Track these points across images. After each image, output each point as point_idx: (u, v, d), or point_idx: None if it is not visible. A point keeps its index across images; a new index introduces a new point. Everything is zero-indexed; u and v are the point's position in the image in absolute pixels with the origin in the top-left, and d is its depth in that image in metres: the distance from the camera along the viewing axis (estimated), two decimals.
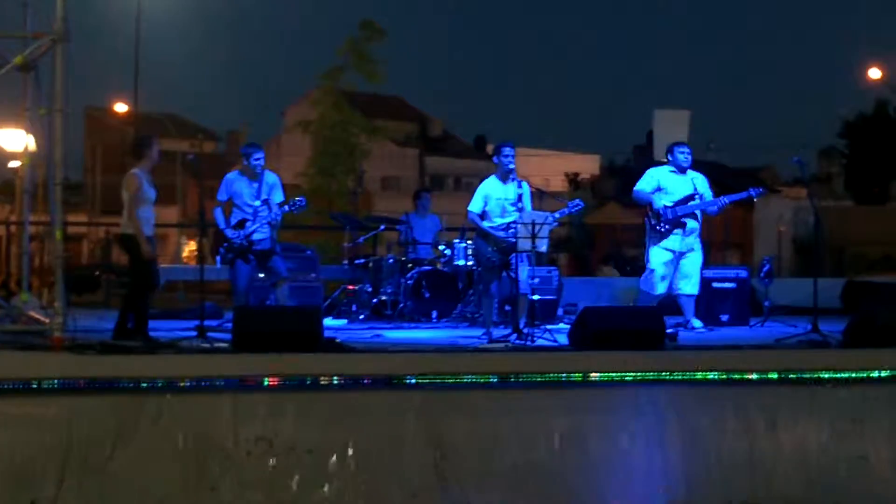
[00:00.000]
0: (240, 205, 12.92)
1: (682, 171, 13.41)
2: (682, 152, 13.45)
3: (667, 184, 13.31)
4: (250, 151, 13.04)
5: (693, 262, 13.35)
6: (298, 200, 13.12)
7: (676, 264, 13.24)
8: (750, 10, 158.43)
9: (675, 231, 13.19)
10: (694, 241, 13.34)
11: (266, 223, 12.84)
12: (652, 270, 13.25)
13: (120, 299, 12.47)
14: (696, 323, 13.27)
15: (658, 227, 13.21)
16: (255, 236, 12.82)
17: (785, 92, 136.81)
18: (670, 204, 13.21)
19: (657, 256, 13.23)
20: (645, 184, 13.42)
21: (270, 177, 13.11)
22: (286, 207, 12.93)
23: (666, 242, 13.20)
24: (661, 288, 13.22)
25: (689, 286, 13.32)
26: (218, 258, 13.09)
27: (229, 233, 12.79)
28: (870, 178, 53.20)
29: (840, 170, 60.63)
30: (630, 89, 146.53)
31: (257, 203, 12.88)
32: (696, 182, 13.39)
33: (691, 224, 13.28)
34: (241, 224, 12.81)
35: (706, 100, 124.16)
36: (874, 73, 43.21)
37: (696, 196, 13.30)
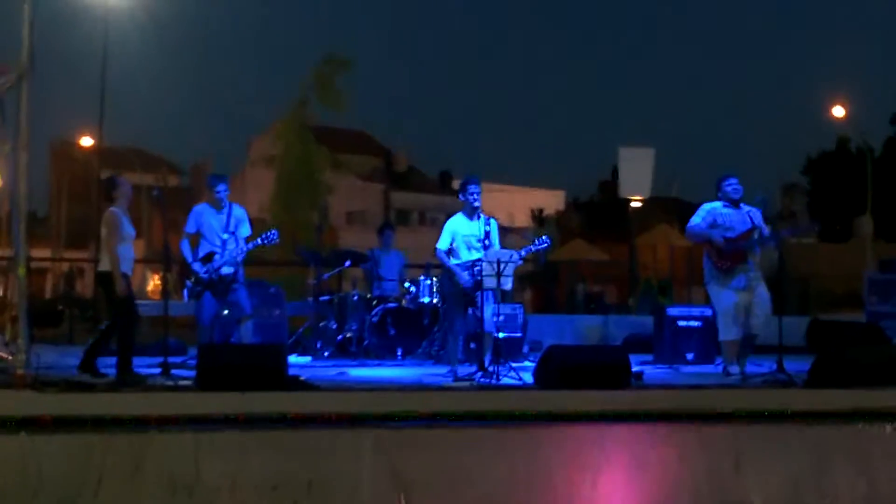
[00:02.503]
0: (208, 237, 12.88)
1: (734, 204, 12.78)
2: (731, 185, 12.79)
3: (724, 219, 12.73)
4: (213, 183, 13.13)
5: (765, 301, 12.68)
6: (271, 234, 13.07)
7: (747, 302, 12.58)
8: (712, 48, 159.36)
9: (739, 268, 12.59)
10: (758, 277, 12.72)
11: (234, 258, 12.79)
12: (722, 314, 12.66)
13: (85, 334, 12.35)
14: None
15: (720, 266, 12.62)
16: (224, 270, 12.76)
17: (748, 129, 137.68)
18: (730, 238, 12.61)
19: (726, 299, 12.65)
20: (700, 219, 12.83)
21: (238, 210, 13.09)
22: (259, 240, 12.88)
23: (731, 282, 12.60)
24: (735, 332, 12.57)
25: (760, 326, 12.65)
26: (185, 292, 13.01)
27: (197, 267, 12.73)
28: (833, 215, 53.65)
29: (803, 206, 61.20)
30: (595, 125, 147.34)
31: (226, 235, 12.84)
32: (753, 216, 12.75)
33: (752, 262, 12.68)
34: (208, 257, 12.74)
35: (670, 137, 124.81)
36: (838, 112, 43.54)
37: (757, 230, 12.66)
